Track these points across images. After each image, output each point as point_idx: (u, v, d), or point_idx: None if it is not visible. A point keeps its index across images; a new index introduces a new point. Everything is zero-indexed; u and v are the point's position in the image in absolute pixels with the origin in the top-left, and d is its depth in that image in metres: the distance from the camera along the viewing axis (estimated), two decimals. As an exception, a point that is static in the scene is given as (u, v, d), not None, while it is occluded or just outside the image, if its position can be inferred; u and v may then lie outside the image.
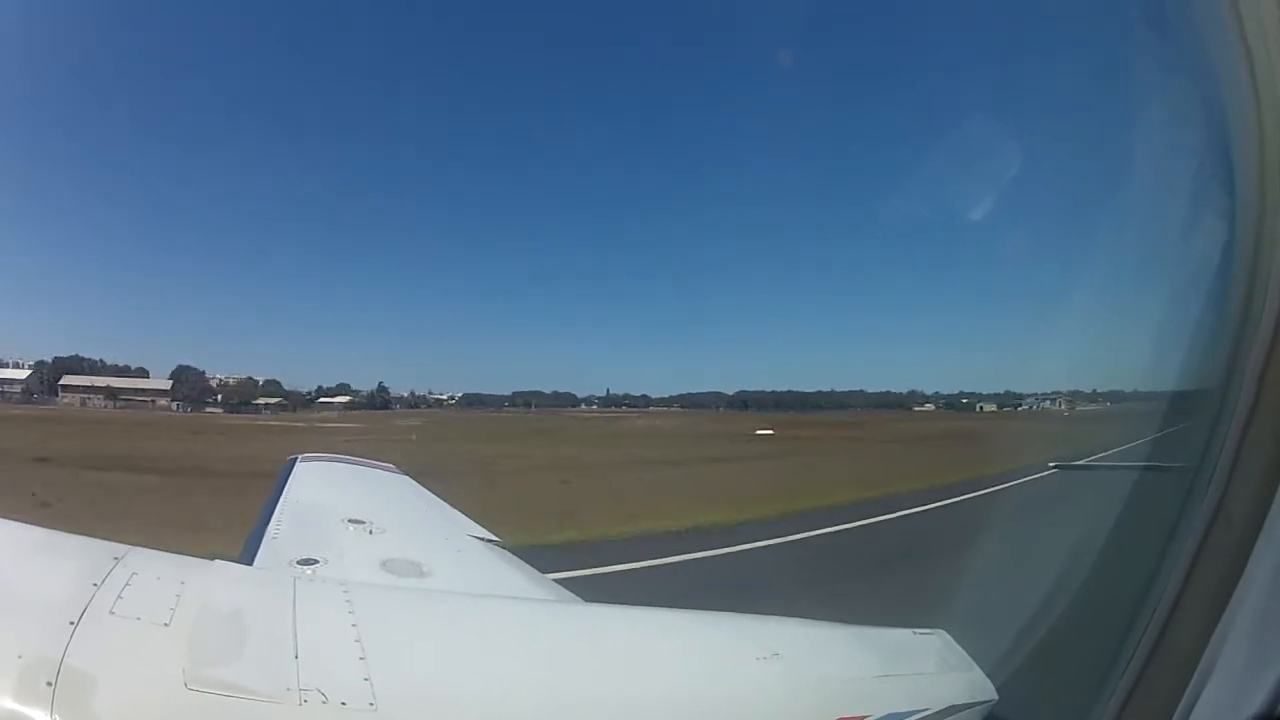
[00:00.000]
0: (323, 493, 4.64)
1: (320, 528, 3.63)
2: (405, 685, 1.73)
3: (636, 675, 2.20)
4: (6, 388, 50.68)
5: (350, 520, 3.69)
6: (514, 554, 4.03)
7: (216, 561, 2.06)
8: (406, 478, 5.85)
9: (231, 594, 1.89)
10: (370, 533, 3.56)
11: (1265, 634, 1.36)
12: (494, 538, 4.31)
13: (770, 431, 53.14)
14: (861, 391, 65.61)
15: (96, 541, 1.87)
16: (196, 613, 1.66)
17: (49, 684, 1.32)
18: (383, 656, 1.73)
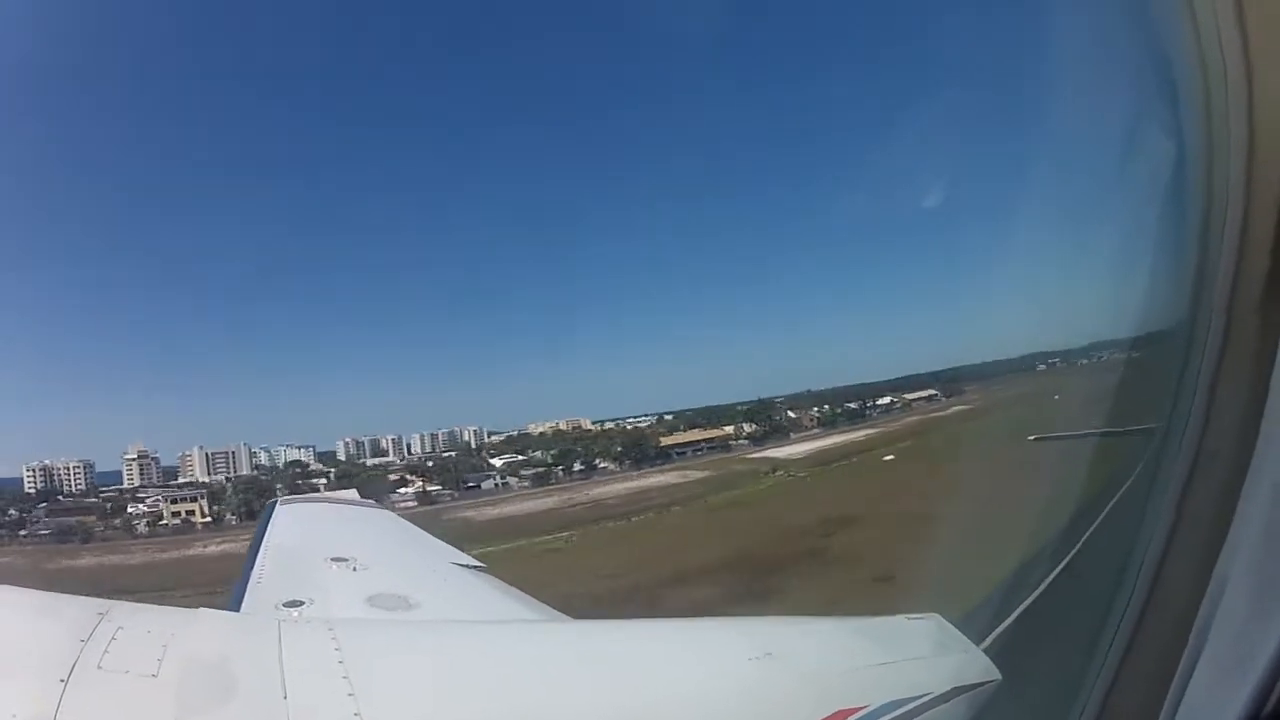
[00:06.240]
0: (305, 534, 4.61)
1: (304, 569, 3.61)
2: (396, 717, 1.73)
3: (630, 688, 2.21)
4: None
5: (334, 559, 3.66)
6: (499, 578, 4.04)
7: (201, 610, 2.05)
8: (388, 512, 5.86)
9: (217, 641, 1.89)
10: (354, 570, 3.55)
11: (1245, 631, 1.26)
12: (479, 564, 4.32)
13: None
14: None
15: (81, 599, 1.86)
16: (183, 662, 1.67)
17: None
18: (372, 691, 1.75)
